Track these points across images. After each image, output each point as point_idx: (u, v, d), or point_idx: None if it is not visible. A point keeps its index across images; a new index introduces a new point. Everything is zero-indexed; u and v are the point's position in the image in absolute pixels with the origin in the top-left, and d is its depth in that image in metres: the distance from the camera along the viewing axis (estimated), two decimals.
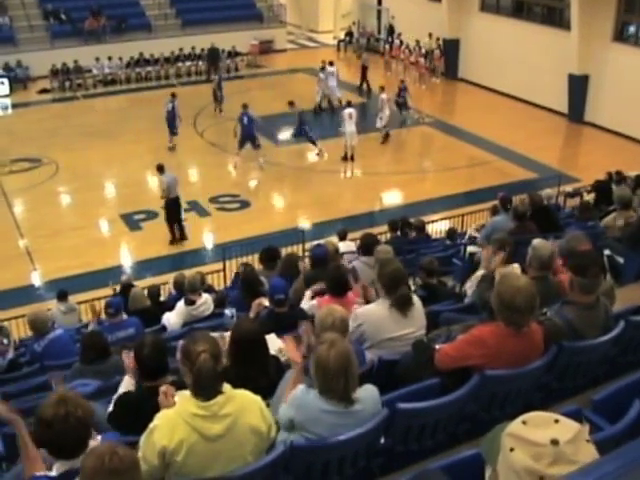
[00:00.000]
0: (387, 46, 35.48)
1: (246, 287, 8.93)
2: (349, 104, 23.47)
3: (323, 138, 23.79)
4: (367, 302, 6.67)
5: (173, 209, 17.83)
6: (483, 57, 30.76)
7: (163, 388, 4.25)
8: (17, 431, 4.08)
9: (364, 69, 31.23)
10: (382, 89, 24.43)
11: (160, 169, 17.99)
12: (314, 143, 23.29)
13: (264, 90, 31.13)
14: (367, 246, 9.15)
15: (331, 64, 28.65)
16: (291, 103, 23.23)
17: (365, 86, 31.29)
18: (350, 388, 4.19)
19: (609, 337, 5.10)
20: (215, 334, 5.68)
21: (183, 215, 18.34)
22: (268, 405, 4.37)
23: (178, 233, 18.00)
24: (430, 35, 32.80)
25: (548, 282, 6.11)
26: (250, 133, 22.04)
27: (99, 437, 3.93)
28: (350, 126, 22.58)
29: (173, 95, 24.08)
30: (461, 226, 16.69)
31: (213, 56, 33.00)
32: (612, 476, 2.17)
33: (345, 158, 22.92)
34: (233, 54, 34.72)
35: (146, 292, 12.06)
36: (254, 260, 12.21)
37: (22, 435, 4.01)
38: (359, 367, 4.46)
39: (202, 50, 33.84)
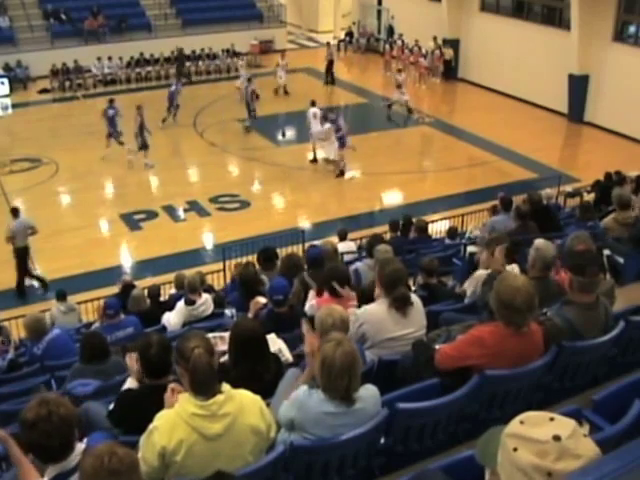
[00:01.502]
0: (387, 46, 35.47)
1: (244, 287, 8.91)
2: (313, 104, 23.32)
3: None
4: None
5: (21, 259, 16.02)
6: (483, 57, 30.77)
7: (171, 385, 4.26)
8: (8, 448, 3.94)
9: (330, 63, 32.19)
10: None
11: (14, 213, 16.18)
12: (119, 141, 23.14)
13: (264, 90, 31.09)
14: (372, 247, 9.09)
15: (282, 58, 30.66)
16: (111, 100, 23.13)
17: (330, 79, 32.29)
18: (352, 387, 4.21)
19: (609, 337, 5.10)
20: (215, 334, 5.69)
21: (34, 266, 16.56)
22: (268, 404, 4.37)
23: (36, 282, 16.42)
24: (435, 38, 32.66)
25: (548, 282, 6.11)
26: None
27: (85, 440, 3.92)
28: (316, 126, 22.50)
29: (249, 80, 26.13)
30: (461, 226, 16.69)
31: (179, 60, 32.89)
32: (612, 476, 2.18)
33: (314, 160, 22.94)
34: (232, 54, 34.74)
35: (146, 292, 12.06)
36: (253, 260, 12.21)
37: (13, 452, 3.89)
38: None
39: (202, 50, 33.95)
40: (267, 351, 5.21)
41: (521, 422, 2.36)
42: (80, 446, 3.68)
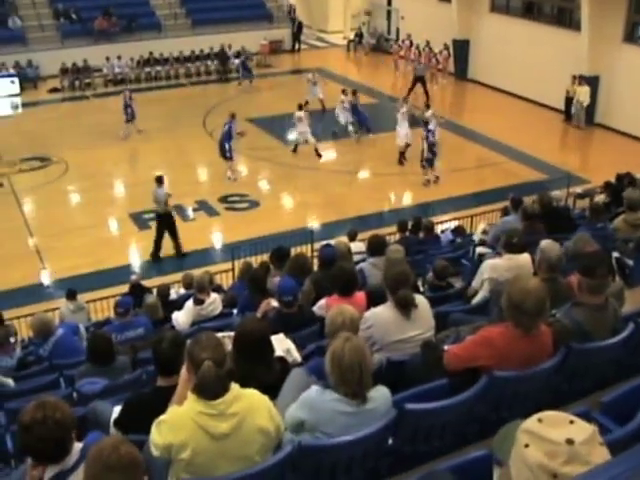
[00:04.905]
0: (396, 46, 35.47)
1: (253, 285, 8.89)
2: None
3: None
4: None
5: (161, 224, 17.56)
6: (493, 58, 30.70)
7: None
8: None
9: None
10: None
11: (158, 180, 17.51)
12: None
13: (273, 90, 31.17)
14: (375, 247, 9.18)
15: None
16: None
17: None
18: (364, 383, 4.22)
19: (618, 339, 5.09)
20: (224, 333, 5.68)
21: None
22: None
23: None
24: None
25: (557, 284, 6.09)
26: None
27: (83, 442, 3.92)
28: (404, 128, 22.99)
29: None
30: (470, 227, 16.66)
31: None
32: (620, 478, 2.17)
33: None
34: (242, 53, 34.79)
35: (155, 291, 12.08)
36: (258, 260, 12.21)
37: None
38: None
39: (211, 49, 34.01)
40: (269, 354, 5.16)
41: (539, 420, 2.34)
42: (78, 445, 3.69)
